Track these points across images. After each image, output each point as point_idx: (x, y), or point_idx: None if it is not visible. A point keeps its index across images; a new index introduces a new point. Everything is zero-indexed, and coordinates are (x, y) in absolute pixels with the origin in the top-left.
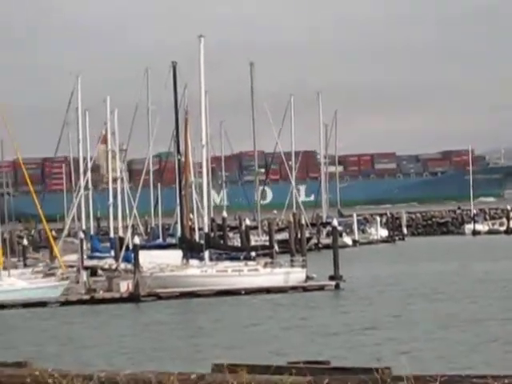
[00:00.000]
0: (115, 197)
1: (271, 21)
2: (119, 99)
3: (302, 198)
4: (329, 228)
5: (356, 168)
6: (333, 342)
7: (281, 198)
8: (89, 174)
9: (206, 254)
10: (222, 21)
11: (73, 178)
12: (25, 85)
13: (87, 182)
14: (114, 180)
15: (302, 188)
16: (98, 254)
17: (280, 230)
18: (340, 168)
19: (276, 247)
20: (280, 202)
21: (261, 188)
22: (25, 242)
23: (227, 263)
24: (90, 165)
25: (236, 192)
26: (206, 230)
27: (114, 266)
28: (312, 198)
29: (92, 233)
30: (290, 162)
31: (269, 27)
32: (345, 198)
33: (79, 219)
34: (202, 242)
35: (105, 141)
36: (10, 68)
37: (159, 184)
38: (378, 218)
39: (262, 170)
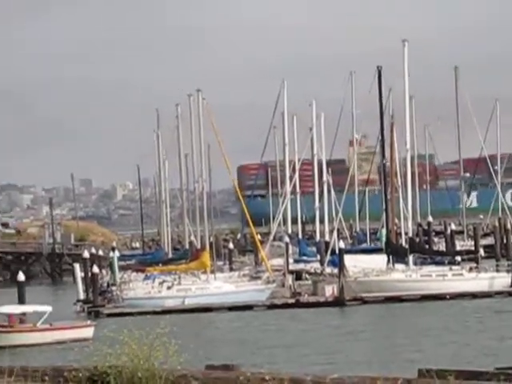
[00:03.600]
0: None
1: (476, 27)
2: (325, 103)
3: None
4: None
5: None
6: None
7: None
8: (296, 177)
9: (411, 258)
10: (426, 25)
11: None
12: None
13: (294, 185)
14: (366, 182)
15: None
16: (304, 258)
17: (486, 235)
18: None
19: (481, 252)
20: None
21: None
22: (231, 245)
23: (432, 268)
24: (298, 167)
25: (487, 195)
26: (411, 234)
27: (319, 270)
28: None
29: (300, 236)
30: (496, 167)
31: (474, 33)
32: None
33: (285, 223)
34: (407, 246)
35: (354, 143)
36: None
37: (366, 188)
38: None
39: (468, 175)
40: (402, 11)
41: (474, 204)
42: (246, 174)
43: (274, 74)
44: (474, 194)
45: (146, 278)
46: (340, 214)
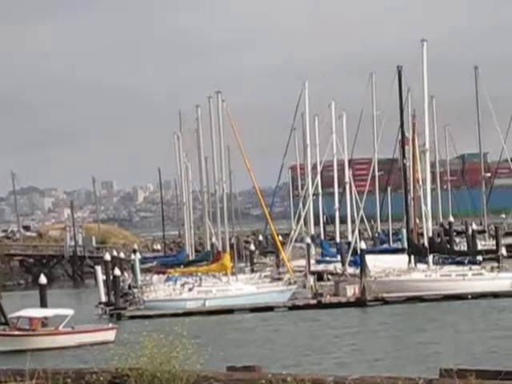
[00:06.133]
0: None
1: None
2: (345, 103)
3: None
4: None
5: None
6: None
7: None
8: (318, 178)
9: (431, 258)
10: (445, 25)
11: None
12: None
13: (316, 186)
14: (419, 181)
15: None
16: (326, 259)
17: (508, 234)
18: None
19: (504, 251)
20: None
21: None
22: (252, 247)
23: (452, 267)
24: (319, 169)
25: None
26: (430, 234)
27: (340, 271)
28: None
29: (322, 238)
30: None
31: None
32: None
33: (306, 224)
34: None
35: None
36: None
37: (388, 188)
38: None
39: (488, 175)
40: (417, 12)
41: None
42: (296, 174)
43: (295, 75)
44: None
45: (168, 279)
46: (362, 214)
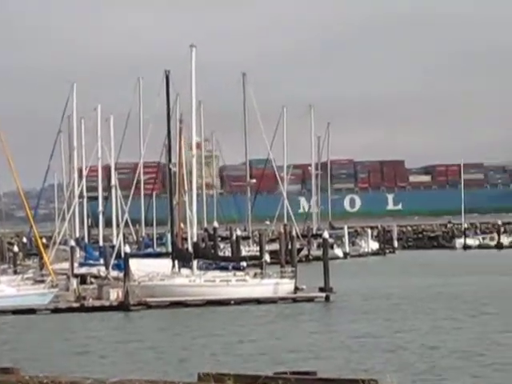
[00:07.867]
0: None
1: (261, 32)
2: (114, 105)
3: (390, 206)
4: (320, 240)
5: (444, 178)
6: (321, 353)
7: (370, 207)
8: (84, 182)
9: (195, 263)
10: (215, 31)
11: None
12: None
13: (82, 189)
14: (207, 186)
15: (390, 197)
16: (89, 262)
17: (271, 241)
18: (428, 177)
19: (267, 258)
20: (368, 210)
21: (349, 197)
22: (15, 248)
23: (216, 273)
24: (85, 173)
25: (325, 200)
26: (195, 239)
27: (104, 274)
28: (400, 206)
29: (86, 241)
30: (282, 174)
31: (261, 39)
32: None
33: (70, 227)
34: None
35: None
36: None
37: (153, 192)
38: (369, 231)
39: (254, 181)
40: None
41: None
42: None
43: (64, 77)
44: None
45: None
46: (126, 217)
